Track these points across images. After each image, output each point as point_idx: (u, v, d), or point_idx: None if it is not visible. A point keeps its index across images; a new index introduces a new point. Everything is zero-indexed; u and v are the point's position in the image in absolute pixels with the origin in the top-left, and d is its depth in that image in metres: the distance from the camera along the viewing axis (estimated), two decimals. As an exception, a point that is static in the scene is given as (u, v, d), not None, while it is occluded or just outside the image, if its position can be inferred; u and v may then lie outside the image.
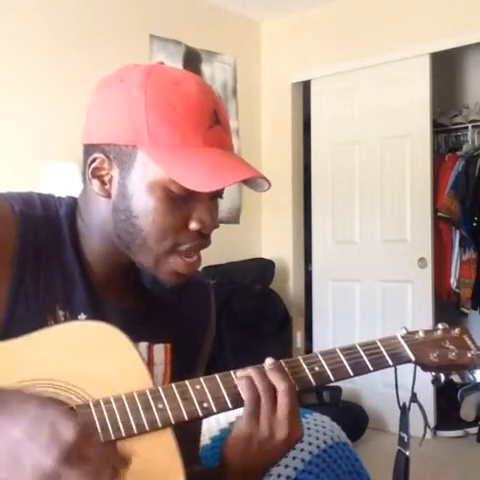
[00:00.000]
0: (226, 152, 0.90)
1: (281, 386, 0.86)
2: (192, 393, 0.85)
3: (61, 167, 3.05)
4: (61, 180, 3.00)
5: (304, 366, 0.91)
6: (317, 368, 0.91)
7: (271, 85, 4.76)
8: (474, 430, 4.01)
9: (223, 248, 4.19)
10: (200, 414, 0.84)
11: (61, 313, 0.92)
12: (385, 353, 0.95)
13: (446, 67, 4.68)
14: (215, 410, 0.85)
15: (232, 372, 0.88)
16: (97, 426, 0.79)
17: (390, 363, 0.95)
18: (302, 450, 1.57)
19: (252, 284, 4.28)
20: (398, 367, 0.98)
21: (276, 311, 4.35)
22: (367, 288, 4.36)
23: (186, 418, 0.83)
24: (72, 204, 0.99)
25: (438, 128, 4.63)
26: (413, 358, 0.96)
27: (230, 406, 0.86)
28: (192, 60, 4.26)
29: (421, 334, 0.99)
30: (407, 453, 1.00)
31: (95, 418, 0.79)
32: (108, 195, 0.93)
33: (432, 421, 4.02)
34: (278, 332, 4.30)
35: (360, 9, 4.33)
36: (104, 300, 0.97)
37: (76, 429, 0.69)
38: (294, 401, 0.87)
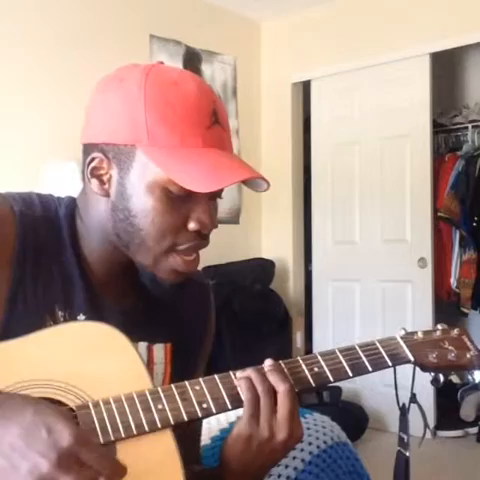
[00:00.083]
0: (225, 153, 0.90)
1: (281, 387, 0.86)
2: (191, 394, 0.85)
3: (61, 167, 3.05)
4: (61, 180, 3.00)
5: (303, 367, 0.91)
6: (316, 369, 0.91)
7: (271, 85, 4.76)
8: (474, 430, 4.01)
9: (223, 248, 4.19)
10: (199, 415, 0.84)
11: (60, 314, 0.92)
12: (384, 354, 0.95)
13: (446, 67, 4.68)
14: (214, 411, 0.85)
15: (231, 373, 0.88)
16: (96, 427, 0.79)
17: (389, 364, 0.95)
18: (302, 450, 1.57)
19: (252, 284, 4.28)
20: (398, 368, 0.98)
21: (276, 311, 4.35)
22: (367, 288, 4.36)
23: (185, 419, 0.83)
24: (71, 204, 0.99)
25: (438, 128, 4.63)
26: (412, 359, 0.96)
27: (229, 407, 0.86)
28: (192, 60, 4.26)
29: (420, 335, 0.99)
30: (407, 454, 1.00)
31: (94, 419, 0.79)
32: (107, 194, 0.93)
33: (432, 421, 4.02)
34: (278, 332, 4.30)
35: (360, 9, 4.33)
36: (103, 300, 0.97)
37: (73, 434, 0.69)
38: (294, 402, 0.87)
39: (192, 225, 0.91)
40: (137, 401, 0.82)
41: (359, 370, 0.93)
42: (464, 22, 3.90)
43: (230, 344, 3.89)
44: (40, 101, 3.43)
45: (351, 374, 0.92)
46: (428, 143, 4.11)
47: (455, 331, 1.01)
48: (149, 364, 0.98)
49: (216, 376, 0.88)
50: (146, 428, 0.81)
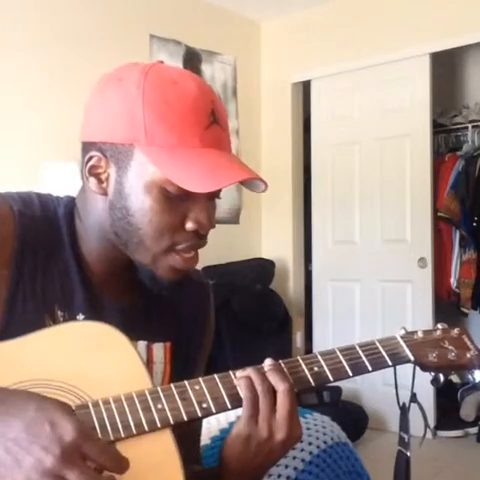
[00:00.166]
0: (223, 153, 0.90)
1: (280, 387, 0.86)
2: (191, 393, 0.85)
3: (61, 167, 3.05)
4: (61, 179, 3.00)
5: (303, 366, 0.91)
6: (316, 368, 0.91)
7: (271, 85, 4.76)
8: (474, 430, 4.01)
9: (223, 248, 4.20)
10: (199, 414, 0.84)
11: (60, 313, 0.92)
12: (384, 353, 0.95)
13: (446, 67, 4.68)
14: (214, 410, 0.85)
15: (231, 372, 0.88)
16: (96, 427, 0.79)
17: (389, 363, 0.95)
18: (302, 450, 1.57)
19: (252, 284, 4.28)
20: (398, 367, 0.98)
21: (276, 311, 4.35)
22: (367, 288, 4.36)
23: (185, 418, 0.83)
24: (70, 204, 0.99)
25: (438, 128, 4.63)
26: (412, 358, 0.96)
27: (229, 406, 0.86)
28: (192, 60, 4.26)
29: (420, 334, 0.99)
30: (408, 453, 1.00)
31: (94, 419, 0.79)
32: (105, 193, 0.93)
33: (432, 421, 4.02)
34: (278, 332, 4.30)
35: (360, 9, 4.33)
36: (103, 299, 0.97)
37: (76, 428, 0.69)
38: (293, 402, 0.87)
39: (190, 225, 0.91)
40: (137, 401, 0.82)
41: (359, 370, 0.93)
42: (464, 22, 3.90)
43: (230, 344, 3.89)
44: (40, 101, 3.43)
45: (351, 374, 0.92)
46: (428, 143, 4.11)
47: (455, 331, 1.01)
48: (148, 363, 0.98)
49: (216, 376, 0.87)
50: (146, 428, 0.81)
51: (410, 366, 0.97)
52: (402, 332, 0.99)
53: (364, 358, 0.93)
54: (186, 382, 0.86)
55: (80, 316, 0.94)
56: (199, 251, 0.96)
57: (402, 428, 1.00)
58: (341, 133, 4.47)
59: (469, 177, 4.39)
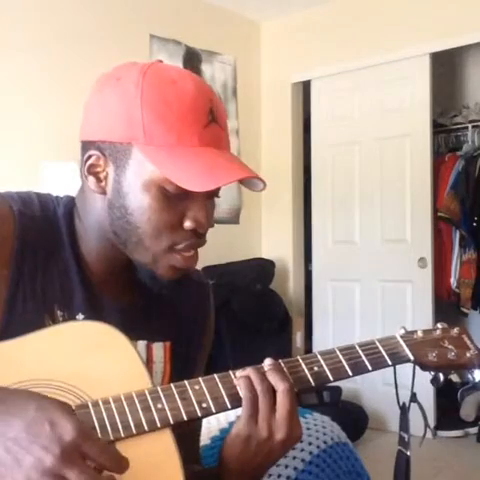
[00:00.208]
0: (221, 152, 0.90)
1: (280, 387, 0.86)
2: (191, 393, 0.85)
3: (61, 167, 3.05)
4: (61, 179, 3.00)
5: (303, 366, 0.91)
6: (316, 368, 0.91)
7: (271, 85, 4.76)
8: (474, 430, 4.01)
9: (223, 248, 4.20)
10: (199, 414, 0.84)
11: (59, 313, 0.92)
12: (384, 353, 0.95)
13: (446, 67, 4.68)
14: (214, 410, 0.85)
15: (231, 372, 0.88)
16: (96, 426, 0.79)
17: (389, 363, 0.95)
18: (302, 450, 1.57)
19: (252, 284, 4.28)
20: (398, 367, 0.98)
21: (276, 311, 4.35)
22: (367, 288, 4.36)
23: (185, 418, 0.83)
24: (70, 203, 0.99)
25: (438, 128, 4.63)
26: (412, 358, 0.96)
27: (229, 406, 0.86)
28: (192, 60, 4.26)
29: (420, 334, 0.99)
30: (408, 453, 1.00)
31: (94, 418, 0.79)
32: (103, 192, 0.93)
33: (432, 421, 4.02)
34: (278, 332, 4.30)
35: (360, 9, 4.33)
36: (102, 299, 0.97)
37: (76, 428, 0.69)
38: (293, 401, 0.87)
39: (188, 224, 0.91)
40: (136, 401, 0.82)
41: (359, 369, 0.93)
42: (464, 22, 3.90)
43: (230, 344, 3.89)
44: (40, 101, 3.43)
45: (351, 373, 0.92)
46: (428, 143, 4.11)
47: (455, 330, 1.01)
48: (148, 363, 0.98)
49: (216, 375, 0.87)
50: (145, 428, 0.81)
51: (410, 366, 0.97)
52: (402, 332, 0.99)
53: (364, 358, 0.93)
54: (186, 382, 0.86)
55: (80, 316, 0.94)
56: (199, 251, 0.96)
57: (402, 428, 1.00)
58: (341, 133, 4.47)
59: (469, 177, 4.39)
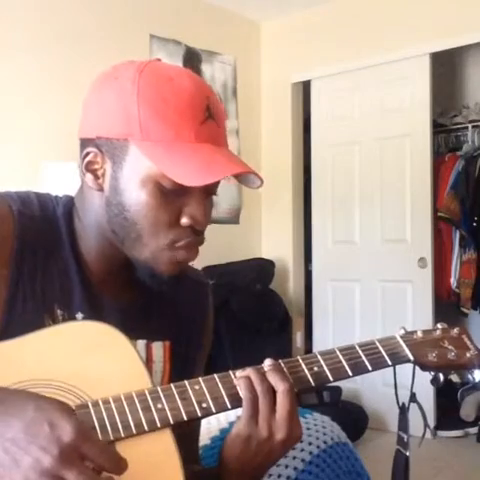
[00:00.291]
0: (218, 148, 0.90)
1: (280, 387, 0.86)
2: (191, 393, 0.85)
3: (61, 167, 3.05)
4: (61, 179, 3.00)
5: (303, 366, 0.91)
6: (316, 368, 0.91)
7: (271, 85, 4.76)
8: (474, 430, 4.01)
9: (223, 248, 4.20)
10: (199, 414, 0.84)
11: (59, 312, 0.92)
12: (384, 353, 0.95)
13: (446, 67, 4.68)
14: (214, 410, 0.85)
15: (231, 372, 0.88)
16: (96, 426, 0.79)
17: (389, 363, 0.95)
18: (302, 450, 1.57)
19: (252, 284, 4.28)
20: (398, 368, 0.98)
21: (276, 311, 4.35)
22: (367, 288, 4.36)
23: (185, 418, 0.83)
24: (69, 203, 1.00)
25: (438, 128, 4.63)
26: (412, 358, 0.96)
27: (229, 406, 0.86)
28: (192, 60, 4.26)
29: (420, 334, 0.99)
30: (407, 453, 1.00)
31: (94, 418, 0.79)
32: (101, 189, 0.93)
33: (432, 421, 4.02)
34: (278, 332, 4.30)
35: (360, 9, 4.33)
36: (102, 298, 0.97)
37: (75, 429, 0.69)
38: (293, 402, 0.87)
39: (185, 220, 0.90)
40: (136, 400, 0.82)
41: (359, 369, 0.93)
42: (464, 22, 3.90)
43: (230, 344, 3.89)
44: (40, 101, 3.43)
45: (351, 373, 0.92)
46: (428, 143, 4.11)
47: (455, 330, 1.01)
48: (148, 362, 0.98)
49: (216, 375, 0.87)
50: (145, 428, 0.81)
51: (410, 366, 0.97)
52: (402, 332, 0.99)
53: (364, 358, 0.93)
54: (186, 382, 0.86)
55: (79, 315, 0.94)
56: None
57: (401, 428, 1.00)
58: (341, 133, 4.47)
59: (469, 177, 4.39)
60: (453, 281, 4.39)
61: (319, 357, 0.92)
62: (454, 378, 1.00)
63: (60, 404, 0.73)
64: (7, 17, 3.32)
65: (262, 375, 0.87)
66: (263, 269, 4.45)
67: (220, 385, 0.86)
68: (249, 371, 0.88)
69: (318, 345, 4.48)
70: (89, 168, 0.93)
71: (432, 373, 0.98)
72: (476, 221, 4.33)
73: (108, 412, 0.80)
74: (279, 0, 4.42)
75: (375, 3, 4.28)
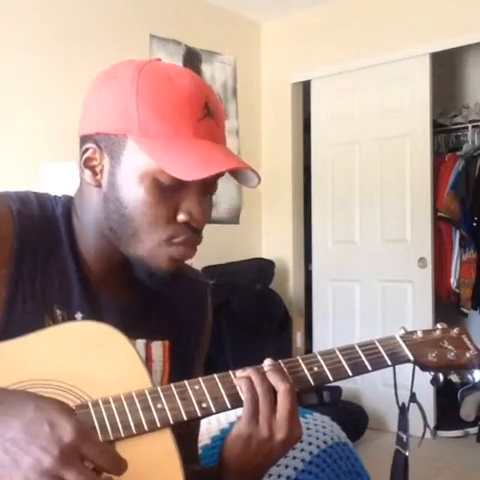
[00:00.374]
0: (216, 145, 0.91)
1: (280, 387, 0.86)
2: (191, 393, 0.85)
3: (61, 166, 3.06)
4: (61, 179, 3.00)
5: (303, 366, 0.91)
6: (316, 368, 0.91)
7: (271, 85, 4.76)
8: (474, 430, 4.01)
9: (223, 248, 4.20)
10: (199, 414, 0.84)
11: (58, 312, 0.92)
12: (384, 353, 0.95)
13: (446, 67, 4.68)
14: (214, 410, 0.85)
15: (231, 372, 0.88)
16: (96, 426, 0.79)
17: (389, 363, 0.95)
18: (302, 450, 1.57)
19: (252, 284, 4.28)
20: (398, 368, 0.98)
21: (276, 311, 4.35)
22: (367, 288, 4.36)
23: (185, 418, 0.83)
24: (68, 203, 1.00)
25: (438, 128, 4.63)
26: (412, 358, 0.96)
27: (229, 406, 0.86)
28: (192, 60, 4.26)
29: (419, 334, 0.99)
30: (406, 453, 1.00)
31: (94, 418, 0.79)
32: (99, 185, 0.93)
33: (432, 421, 4.02)
34: (278, 332, 4.30)
35: (360, 9, 4.33)
36: (101, 298, 0.97)
37: (75, 429, 0.69)
38: (293, 402, 0.87)
39: (181, 217, 0.90)
40: (136, 400, 0.82)
41: (359, 369, 0.93)
42: (464, 22, 3.90)
43: (230, 344, 3.89)
44: (40, 101, 3.43)
45: (351, 373, 0.92)
46: (428, 143, 4.11)
47: (455, 330, 1.01)
48: (147, 362, 0.98)
49: (216, 375, 0.87)
50: (145, 428, 0.81)
51: (410, 366, 0.97)
52: (401, 332, 0.99)
53: (364, 358, 0.93)
54: (186, 382, 0.86)
55: (78, 315, 0.94)
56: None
57: (401, 428, 1.00)
58: (341, 133, 4.47)
59: (469, 177, 4.39)
60: (453, 281, 4.39)
61: (319, 357, 0.92)
62: (454, 378, 1.00)
63: (60, 404, 0.73)
64: (7, 17, 3.32)
65: (262, 375, 0.87)
66: (263, 269, 4.45)
67: (220, 385, 0.86)
68: (249, 371, 0.88)
69: (318, 345, 4.48)
70: (87, 164, 0.93)
71: (432, 373, 0.98)
72: (476, 221, 4.33)
73: (108, 412, 0.80)
74: (279, 0, 4.42)
75: (375, 3, 4.28)
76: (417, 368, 0.98)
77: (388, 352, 0.95)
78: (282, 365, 0.90)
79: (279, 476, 1.48)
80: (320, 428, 1.69)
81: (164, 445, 0.82)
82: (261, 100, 4.81)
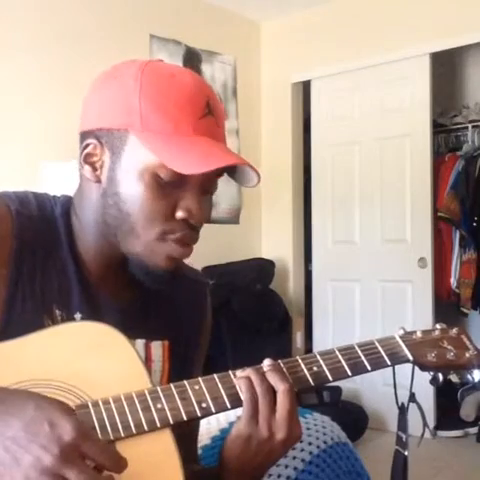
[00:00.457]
0: (216, 142, 0.91)
1: (280, 387, 0.86)
2: (191, 393, 0.85)
3: (60, 166, 3.06)
4: (60, 179, 3.00)
5: (302, 366, 0.91)
6: (315, 368, 0.91)
7: (271, 85, 4.76)
8: (474, 430, 4.01)
9: (223, 248, 4.20)
10: (199, 414, 0.84)
11: (58, 312, 0.92)
12: (383, 353, 0.95)
13: (446, 67, 4.68)
14: (214, 410, 0.85)
15: (231, 372, 0.88)
16: (96, 426, 0.79)
17: (388, 363, 0.95)
18: (302, 450, 1.57)
19: (252, 284, 4.28)
20: (398, 368, 0.98)
21: (276, 311, 4.35)
22: (367, 288, 4.36)
23: (185, 418, 0.83)
24: (67, 203, 1.00)
25: (438, 128, 4.63)
26: (411, 358, 0.96)
27: (229, 406, 0.86)
28: (192, 60, 4.26)
29: (419, 334, 0.99)
30: (406, 453, 1.00)
31: (94, 418, 0.79)
32: (98, 180, 0.93)
33: (432, 421, 4.02)
34: (278, 332, 4.30)
35: (360, 9, 4.33)
36: (100, 298, 0.97)
37: (75, 428, 0.69)
38: (293, 402, 0.87)
39: (179, 213, 0.91)
40: (136, 401, 0.82)
41: (358, 369, 0.93)
42: (464, 22, 3.90)
43: (230, 344, 3.90)
44: (40, 101, 3.44)
45: (350, 373, 0.92)
46: (428, 143, 4.11)
47: (454, 330, 1.01)
48: (147, 361, 0.98)
49: (215, 375, 0.88)
50: (145, 428, 0.81)
51: (410, 366, 0.98)
52: (401, 332, 0.99)
53: (363, 358, 0.93)
54: (186, 382, 0.86)
55: (78, 315, 0.94)
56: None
57: (400, 428, 1.00)
58: (341, 133, 4.47)
59: (469, 177, 4.39)
60: (453, 281, 4.39)
61: (318, 357, 0.92)
62: (454, 378, 1.00)
63: (60, 404, 0.73)
64: (7, 17, 3.32)
65: (262, 375, 0.87)
66: (263, 269, 4.45)
67: (220, 385, 0.87)
68: (249, 371, 0.88)
69: (318, 345, 4.48)
70: (87, 160, 0.94)
71: (431, 373, 0.98)
72: (476, 221, 4.33)
73: (108, 412, 0.80)
74: (279, 0, 4.42)
75: (375, 3, 4.28)
76: (417, 368, 0.98)
77: (387, 352, 0.95)
78: (281, 365, 0.90)
79: (279, 476, 1.48)
80: (320, 428, 1.69)
81: (164, 445, 0.82)
82: (261, 100, 4.81)
